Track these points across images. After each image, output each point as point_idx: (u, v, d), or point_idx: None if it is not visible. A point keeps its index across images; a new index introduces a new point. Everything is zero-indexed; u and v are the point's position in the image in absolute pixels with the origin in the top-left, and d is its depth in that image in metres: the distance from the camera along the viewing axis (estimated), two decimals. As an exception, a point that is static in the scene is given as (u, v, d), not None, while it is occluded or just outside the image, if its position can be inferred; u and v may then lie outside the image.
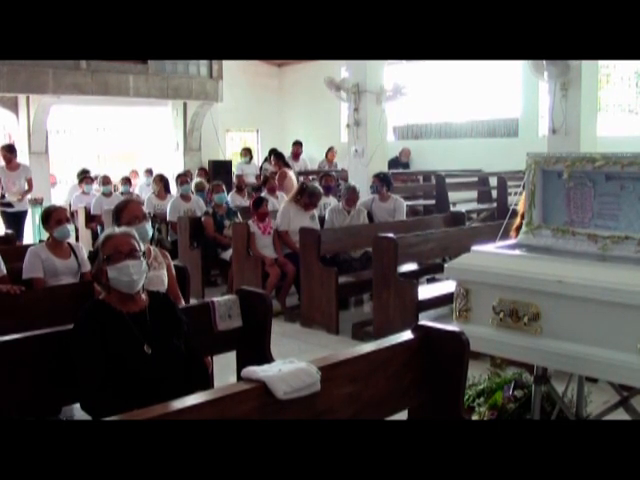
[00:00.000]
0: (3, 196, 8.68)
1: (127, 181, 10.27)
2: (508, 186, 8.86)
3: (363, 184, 7.67)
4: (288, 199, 6.89)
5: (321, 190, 6.96)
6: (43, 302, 3.62)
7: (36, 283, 4.05)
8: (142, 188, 11.14)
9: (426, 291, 5.39)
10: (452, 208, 8.76)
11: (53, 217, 4.24)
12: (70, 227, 4.33)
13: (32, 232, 9.22)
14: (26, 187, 8.67)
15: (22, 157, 11.10)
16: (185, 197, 8.14)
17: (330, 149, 12.58)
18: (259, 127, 15.04)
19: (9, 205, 8.62)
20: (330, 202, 7.53)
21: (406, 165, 12.64)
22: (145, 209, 7.88)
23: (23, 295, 3.66)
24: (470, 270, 2.66)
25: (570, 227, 2.71)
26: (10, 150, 8.72)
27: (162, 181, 8.65)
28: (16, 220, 8.52)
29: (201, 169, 11.31)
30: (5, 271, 4.05)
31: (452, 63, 11.56)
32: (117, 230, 2.79)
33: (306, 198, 6.61)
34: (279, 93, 15.19)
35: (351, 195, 6.79)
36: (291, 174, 8.94)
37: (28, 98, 10.84)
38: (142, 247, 2.75)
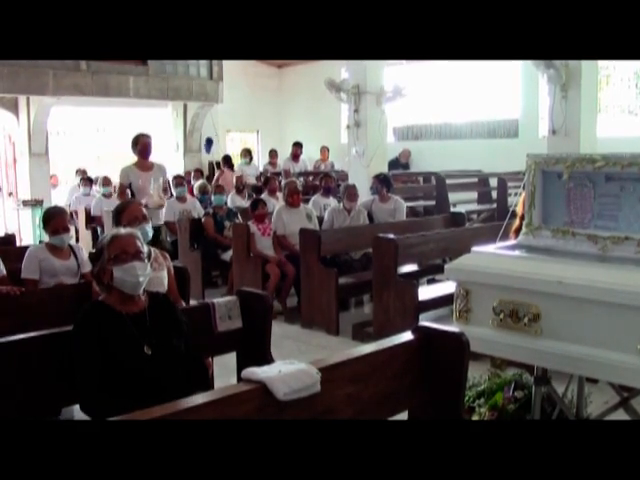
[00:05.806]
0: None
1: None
2: (508, 187, 8.86)
3: (363, 185, 7.66)
4: (280, 203, 6.93)
5: (297, 183, 7.03)
6: (43, 303, 3.61)
7: (28, 284, 4.01)
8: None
9: (426, 292, 5.39)
10: (452, 209, 8.75)
11: (51, 225, 4.16)
12: (67, 237, 4.20)
13: (32, 232, 9.22)
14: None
15: (22, 158, 11.14)
16: (180, 198, 8.17)
17: (322, 148, 12.65)
18: (259, 128, 15.06)
19: None
20: (330, 203, 7.53)
21: (406, 166, 12.64)
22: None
23: (23, 296, 3.65)
24: (470, 271, 2.66)
25: (570, 228, 2.70)
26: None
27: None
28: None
29: (197, 170, 11.30)
30: (4, 272, 4.04)
31: (452, 63, 11.56)
32: (123, 230, 2.78)
33: (287, 195, 6.68)
34: (279, 94, 15.19)
35: (351, 190, 6.82)
36: (229, 173, 10.63)
37: (28, 99, 10.84)
38: (146, 249, 2.75)
